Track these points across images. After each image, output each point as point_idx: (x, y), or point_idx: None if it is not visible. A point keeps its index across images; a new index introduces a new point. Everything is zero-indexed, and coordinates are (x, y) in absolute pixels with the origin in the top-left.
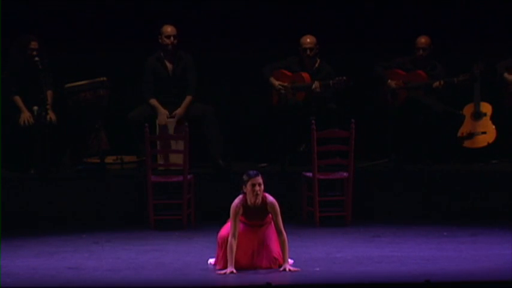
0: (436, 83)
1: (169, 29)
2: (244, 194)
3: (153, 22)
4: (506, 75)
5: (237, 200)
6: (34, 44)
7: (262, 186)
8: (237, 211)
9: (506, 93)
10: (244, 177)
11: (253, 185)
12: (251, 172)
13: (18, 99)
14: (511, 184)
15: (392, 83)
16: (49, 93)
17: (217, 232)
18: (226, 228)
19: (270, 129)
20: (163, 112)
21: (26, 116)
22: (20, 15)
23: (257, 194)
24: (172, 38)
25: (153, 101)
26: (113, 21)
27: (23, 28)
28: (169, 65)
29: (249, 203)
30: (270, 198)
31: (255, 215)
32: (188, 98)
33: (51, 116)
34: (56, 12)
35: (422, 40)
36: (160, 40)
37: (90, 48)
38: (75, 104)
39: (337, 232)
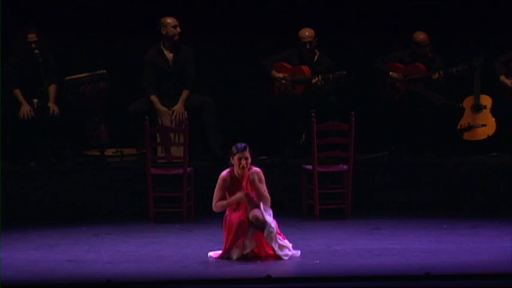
0: (436, 75)
1: (174, 20)
2: (233, 166)
3: (152, 14)
4: (503, 78)
5: (224, 172)
6: (32, 37)
7: (249, 160)
8: (223, 181)
9: (505, 94)
10: (233, 149)
11: (240, 159)
12: (239, 145)
13: (18, 92)
14: (511, 176)
15: (394, 74)
16: (53, 87)
17: (220, 224)
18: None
19: (270, 122)
20: (164, 110)
21: (25, 110)
22: (20, 7)
23: (243, 167)
24: (178, 28)
25: (153, 98)
26: (112, 14)
27: (24, 20)
28: (169, 56)
29: (236, 174)
30: (255, 168)
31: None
32: (185, 93)
33: (54, 108)
34: (56, 5)
35: (421, 37)
36: (164, 31)
37: (90, 40)
38: (75, 97)
39: (337, 225)
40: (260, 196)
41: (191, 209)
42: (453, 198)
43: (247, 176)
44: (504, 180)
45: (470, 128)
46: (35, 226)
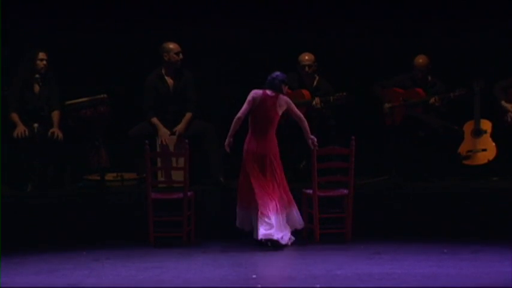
0: (432, 99)
1: (177, 46)
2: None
3: (152, 38)
4: (503, 103)
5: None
6: (42, 55)
7: None
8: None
9: (505, 119)
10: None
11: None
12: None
13: (15, 116)
14: (511, 201)
15: (388, 105)
16: (56, 113)
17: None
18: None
19: None
20: (164, 131)
21: (20, 130)
22: (23, 30)
23: None
24: (181, 55)
25: (154, 120)
26: (112, 38)
27: (28, 43)
28: (170, 82)
29: None
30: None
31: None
32: (188, 115)
33: (58, 134)
34: (56, 29)
35: (420, 61)
36: (167, 57)
37: (90, 65)
38: (75, 121)
39: (338, 249)
40: None
41: (191, 234)
42: (453, 222)
43: None
44: (505, 205)
45: (470, 153)
46: (35, 251)
